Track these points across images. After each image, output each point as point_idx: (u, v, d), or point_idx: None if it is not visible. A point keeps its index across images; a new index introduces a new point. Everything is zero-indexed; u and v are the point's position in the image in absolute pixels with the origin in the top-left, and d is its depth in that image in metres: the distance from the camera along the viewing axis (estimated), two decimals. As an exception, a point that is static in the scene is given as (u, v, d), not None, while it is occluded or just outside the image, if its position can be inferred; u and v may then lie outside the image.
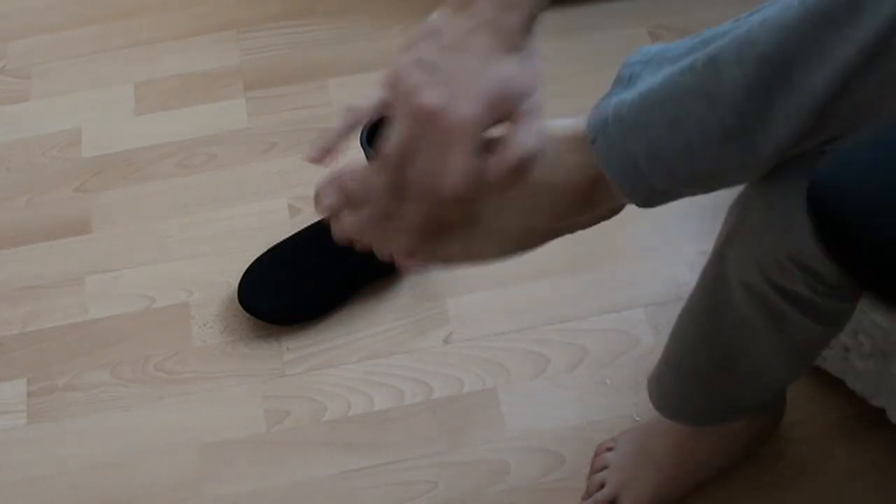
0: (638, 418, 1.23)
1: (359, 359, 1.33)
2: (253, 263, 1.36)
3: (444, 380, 1.30)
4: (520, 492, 1.22)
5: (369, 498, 1.22)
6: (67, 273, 1.42)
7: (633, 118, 0.71)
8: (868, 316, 1.08)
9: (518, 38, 0.72)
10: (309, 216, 1.44)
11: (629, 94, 0.72)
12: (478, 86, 0.70)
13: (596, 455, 1.20)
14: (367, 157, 1.25)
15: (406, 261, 0.77)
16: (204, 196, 1.48)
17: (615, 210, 0.78)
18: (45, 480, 1.25)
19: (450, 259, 0.79)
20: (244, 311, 1.34)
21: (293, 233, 1.39)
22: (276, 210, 1.46)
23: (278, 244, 1.38)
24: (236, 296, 1.35)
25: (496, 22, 0.71)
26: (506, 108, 0.72)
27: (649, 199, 0.73)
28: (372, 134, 1.27)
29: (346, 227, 0.77)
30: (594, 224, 0.79)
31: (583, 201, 0.76)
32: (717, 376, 1.02)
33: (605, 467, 1.18)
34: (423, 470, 1.24)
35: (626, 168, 0.72)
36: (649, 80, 0.72)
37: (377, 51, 1.63)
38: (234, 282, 1.37)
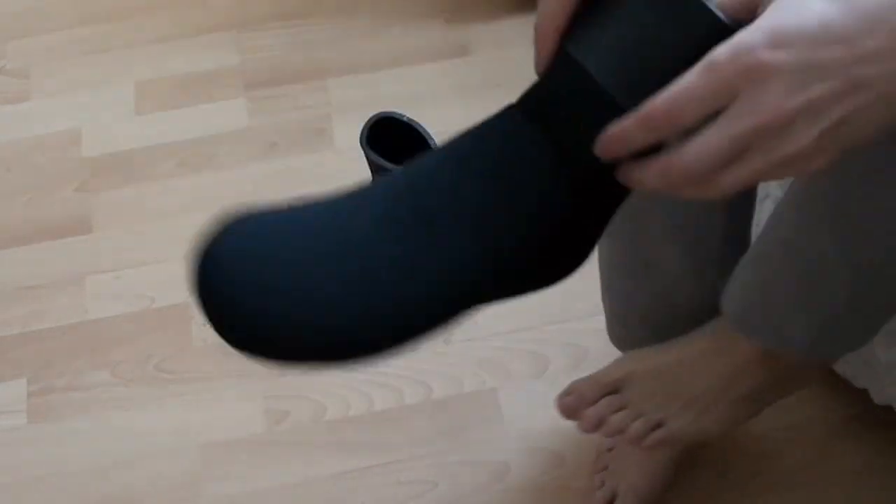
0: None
1: (359, 359, 1.33)
2: (253, 263, 1.36)
3: (444, 380, 1.30)
4: (520, 492, 1.22)
5: (369, 498, 1.22)
6: (67, 273, 1.42)
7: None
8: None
9: None
10: (309, 216, 1.44)
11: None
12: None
13: (597, 456, 1.21)
14: (366, 157, 1.25)
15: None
16: (204, 196, 1.48)
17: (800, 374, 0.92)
18: (45, 480, 1.25)
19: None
20: (244, 311, 1.34)
21: (293, 233, 1.38)
22: (276, 210, 1.46)
23: (278, 244, 1.37)
24: (236, 296, 1.35)
25: None
26: None
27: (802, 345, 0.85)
28: (372, 134, 1.27)
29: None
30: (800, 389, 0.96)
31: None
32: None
33: (605, 468, 1.18)
34: (423, 470, 1.24)
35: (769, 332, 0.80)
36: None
37: (377, 51, 1.63)
38: (234, 282, 1.37)
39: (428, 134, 1.29)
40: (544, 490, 1.22)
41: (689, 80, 0.55)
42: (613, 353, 1.13)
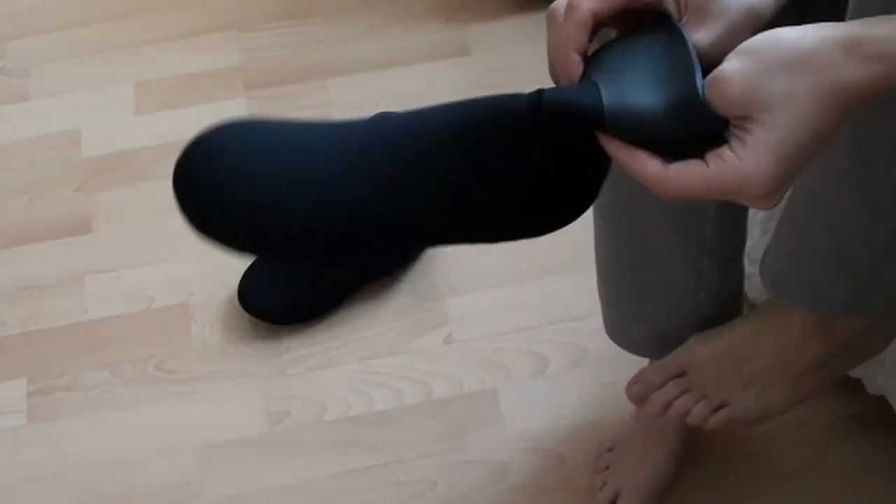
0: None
1: (359, 359, 1.33)
2: (253, 263, 1.36)
3: (444, 380, 1.30)
4: (520, 492, 1.22)
5: (369, 498, 1.22)
6: (67, 273, 1.42)
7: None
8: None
9: None
10: (309, 216, 1.44)
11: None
12: None
13: (597, 456, 1.21)
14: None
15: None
16: (204, 196, 1.48)
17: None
18: (45, 480, 1.25)
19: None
20: (244, 311, 1.34)
21: (293, 233, 1.39)
22: (276, 210, 1.46)
23: (278, 244, 1.37)
24: (236, 296, 1.35)
25: None
26: None
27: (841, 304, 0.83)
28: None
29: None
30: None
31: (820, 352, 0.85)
32: None
33: (606, 467, 1.18)
34: (423, 470, 1.24)
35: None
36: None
37: (377, 51, 1.63)
38: (234, 282, 1.37)
39: (428, 134, 1.29)
40: (544, 490, 1.22)
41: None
42: (613, 353, 1.13)
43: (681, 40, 0.64)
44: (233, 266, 1.39)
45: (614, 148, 0.64)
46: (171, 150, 1.64)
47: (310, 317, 1.35)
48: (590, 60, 0.66)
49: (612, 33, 0.68)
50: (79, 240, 1.45)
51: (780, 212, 0.90)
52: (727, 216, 0.97)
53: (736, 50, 0.61)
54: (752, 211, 1.05)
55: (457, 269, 1.39)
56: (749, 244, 1.26)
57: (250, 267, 1.36)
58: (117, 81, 1.62)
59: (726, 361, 0.99)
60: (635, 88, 0.64)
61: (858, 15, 0.63)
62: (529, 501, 1.21)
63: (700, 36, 0.63)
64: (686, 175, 0.62)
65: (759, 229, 1.15)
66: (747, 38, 0.62)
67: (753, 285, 1.18)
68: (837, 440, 1.23)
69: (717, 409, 1.00)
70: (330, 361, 1.33)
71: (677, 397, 1.01)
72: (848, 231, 0.82)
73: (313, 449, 1.26)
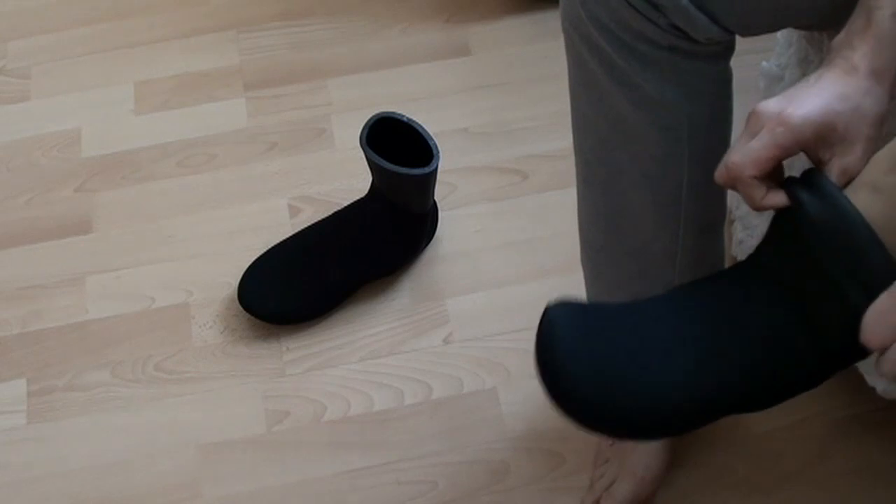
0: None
1: (359, 359, 1.33)
2: (253, 263, 1.36)
3: (444, 380, 1.30)
4: (520, 492, 1.22)
5: (369, 498, 1.22)
6: (67, 273, 1.42)
7: None
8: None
9: None
10: (309, 216, 1.44)
11: None
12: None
13: (597, 453, 1.21)
14: (366, 157, 1.25)
15: None
16: (204, 196, 1.48)
17: None
18: (45, 480, 1.25)
19: None
20: (244, 311, 1.34)
21: (293, 233, 1.39)
22: (276, 210, 1.46)
23: (278, 244, 1.38)
24: (236, 296, 1.35)
25: None
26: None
27: None
28: (372, 134, 1.27)
29: None
30: None
31: None
32: None
33: (606, 461, 1.19)
34: (423, 470, 1.24)
35: None
36: None
37: (377, 51, 1.63)
38: (234, 282, 1.37)
39: (428, 134, 1.29)
40: (544, 490, 1.22)
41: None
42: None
43: None
44: (233, 266, 1.39)
45: None
46: (171, 150, 1.65)
47: (310, 317, 1.35)
48: None
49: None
50: (79, 240, 1.45)
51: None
52: (700, 183, 0.98)
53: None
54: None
55: (457, 269, 1.39)
56: (744, 209, 1.26)
57: (250, 267, 1.36)
58: (117, 81, 1.62)
59: None
60: None
61: None
62: (529, 501, 1.21)
63: (850, 160, 0.73)
64: None
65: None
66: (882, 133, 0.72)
67: (745, 252, 1.19)
68: (837, 440, 1.23)
69: None
70: (330, 361, 1.33)
71: None
72: None
73: (313, 449, 1.26)
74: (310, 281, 1.34)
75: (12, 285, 1.41)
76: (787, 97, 0.75)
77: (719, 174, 0.76)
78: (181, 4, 1.71)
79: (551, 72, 1.53)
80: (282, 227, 1.43)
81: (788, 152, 0.74)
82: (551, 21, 1.60)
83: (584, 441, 1.23)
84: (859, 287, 0.69)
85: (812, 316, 0.72)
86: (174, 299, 1.39)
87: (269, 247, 1.38)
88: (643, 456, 1.16)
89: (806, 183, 0.73)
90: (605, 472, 1.19)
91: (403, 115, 1.29)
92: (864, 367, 1.15)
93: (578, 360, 0.74)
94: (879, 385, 1.15)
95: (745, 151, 0.74)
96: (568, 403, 0.74)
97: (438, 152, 1.28)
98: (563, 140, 1.12)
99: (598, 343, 0.75)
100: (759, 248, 0.77)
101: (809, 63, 1.09)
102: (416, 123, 1.29)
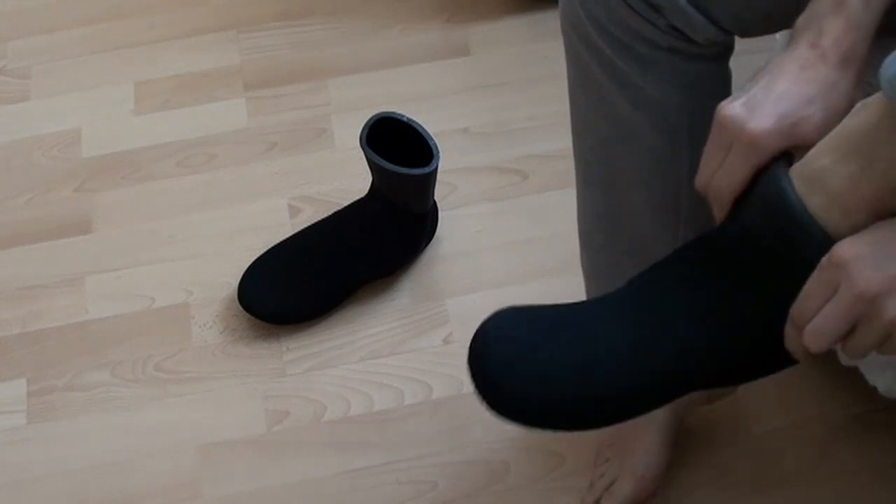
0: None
1: (359, 359, 1.33)
2: (253, 263, 1.36)
3: (444, 380, 1.30)
4: (520, 492, 1.22)
5: (369, 498, 1.22)
6: (67, 273, 1.42)
7: None
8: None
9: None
10: (309, 216, 1.44)
11: None
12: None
13: (597, 453, 1.21)
14: (366, 157, 1.25)
15: None
16: (204, 196, 1.48)
17: None
18: (45, 480, 1.25)
19: None
20: (244, 311, 1.34)
21: (293, 233, 1.39)
22: (276, 210, 1.46)
23: (278, 244, 1.38)
24: (236, 296, 1.35)
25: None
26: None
27: None
28: (372, 134, 1.27)
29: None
30: None
31: None
32: None
33: (606, 461, 1.19)
34: (423, 470, 1.24)
35: None
36: None
37: (377, 51, 1.63)
38: (234, 282, 1.37)
39: (428, 134, 1.29)
40: (544, 490, 1.22)
41: (808, 286, 0.69)
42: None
43: None
44: (233, 266, 1.39)
45: None
46: (171, 150, 1.65)
47: (310, 317, 1.35)
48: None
49: None
50: (79, 240, 1.45)
51: None
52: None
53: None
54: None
55: (457, 269, 1.39)
56: None
57: (250, 267, 1.36)
58: (117, 81, 1.62)
59: None
60: None
61: None
62: (529, 501, 1.21)
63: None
64: None
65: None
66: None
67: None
68: (837, 440, 1.23)
69: None
70: (330, 361, 1.33)
71: None
72: None
73: (313, 449, 1.26)
74: (310, 281, 1.34)
75: (12, 285, 1.41)
76: (751, 103, 0.74)
77: (700, 186, 0.76)
78: (181, 4, 1.71)
79: (551, 72, 1.52)
80: (282, 227, 1.43)
81: (762, 165, 0.73)
82: (551, 21, 1.60)
83: (584, 441, 1.23)
84: (799, 265, 0.70)
85: (748, 293, 0.73)
86: (174, 299, 1.39)
87: (269, 247, 1.38)
88: (643, 455, 1.16)
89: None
90: (605, 472, 1.19)
91: (403, 115, 1.29)
92: (864, 366, 1.15)
93: (510, 364, 0.76)
94: (880, 385, 1.15)
95: (725, 176, 0.74)
96: (504, 408, 0.77)
97: (438, 152, 1.28)
98: (563, 140, 1.12)
99: (529, 343, 0.76)
100: (704, 233, 0.77)
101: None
102: (416, 123, 1.29)
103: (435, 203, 1.40)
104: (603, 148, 1.00)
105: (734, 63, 0.96)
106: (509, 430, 1.25)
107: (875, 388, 1.16)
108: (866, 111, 0.69)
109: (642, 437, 1.16)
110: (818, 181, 0.70)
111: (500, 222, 1.43)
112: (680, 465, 1.21)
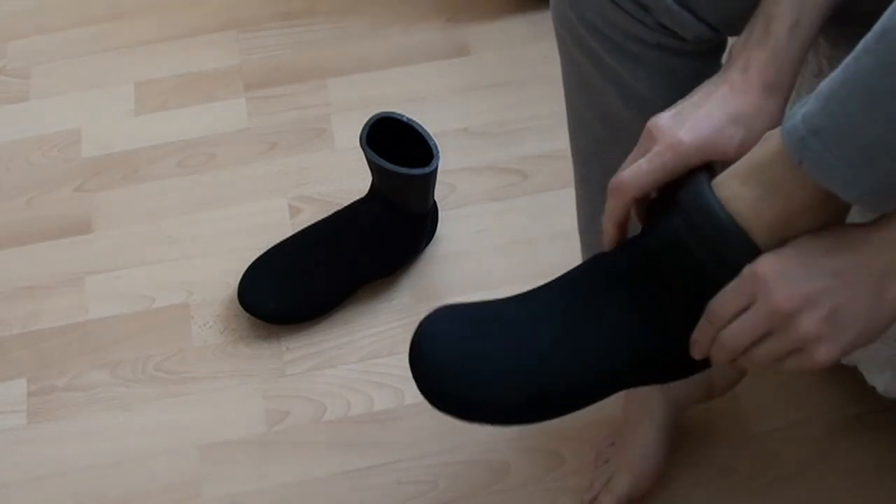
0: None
1: (359, 359, 1.33)
2: (253, 263, 1.36)
3: (444, 380, 1.30)
4: (520, 492, 1.22)
5: (369, 498, 1.22)
6: (67, 273, 1.42)
7: (826, 123, 0.67)
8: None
9: None
10: (309, 216, 1.44)
11: (811, 105, 0.69)
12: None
13: (597, 454, 1.21)
14: (366, 157, 1.25)
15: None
16: (204, 196, 1.48)
17: None
18: (45, 480, 1.25)
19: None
20: (244, 311, 1.34)
21: (293, 233, 1.39)
22: (276, 210, 1.46)
23: (278, 244, 1.38)
24: (236, 296, 1.35)
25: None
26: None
27: (881, 195, 0.70)
28: (372, 134, 1.27)
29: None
30: None
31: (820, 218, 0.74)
32: None
33: (606, 461, 1.19)
34: (423, 470, 1.24)
35: (845, 175, 0.68)
36: (825, 84, 0.69)
37: (377, 51, 1.63)
38: (234, 282, 1.37)
39: (428, 134, 1.29)
40: (544, 490, 1.22)
41: (728, 291, 0.73)
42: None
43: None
44: (233, 266, 1.39)
45: None
46: (171, 150, 1.65)
47: (310, 317, 1.35)
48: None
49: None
50: (79, 240, 1.45)
51: None
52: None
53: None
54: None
55: (457, 269, 1.39)
56: None
57: (250, 267, 1.36)
58: (117, 81, 1.62)
59: None
60: None
61: None
62: (529, 501, 1.21)
63: None
64: None
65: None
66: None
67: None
68: (837, 440, 1.23)
69: None
70: (330, 361, 1.33)
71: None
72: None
73: (313, 449, 1.26)
74: (310, 281, 1.34)
75: (12, 285, 1.41)
76: (680, 116, 0.78)
77: (610, 183, 0.80)
78: (181, 4, 1.71)
79: (551, 72, 1.52)
80: (282, 227, 1.43)
81: (674, 175, 0.76)
82: (551, 21, 1.60)
83: (584, 441, 1.23)
84: (719, 268, 0.73)
85: (666, 294, 0.76)
86: (174, 299, 1.39)
87: (269, 247, 1.38)
88: (641, 451, 1.16)
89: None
90: (604, 473, 1.18)
91: (403, 115, 1.29)
92: (864, 366, 1.15)
93: (442, 365, 0.82)
94: (880, 385, 1.15)
95: (633, 172, 0.78)
96: (443, 406, 0.83)
97: (438, 152, 1.28)
98: (563, 140, 1.12)
99: (463, 339, 0.82)
100: (630, 239, 0.81)
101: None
102: (416, 123, 1.29)
103: (435, 203, 1.40)
104: (598, 146, 1.01)
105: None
106: (509, 431, 1.25)
107: (874, 388, 1.16)
108: (769, 143, 0.72)
109: (640, 434, 1.16)
110: (727, 201, 0.73)
111: (501, 222, 1.43)
112: (680, 465, 1.21)
